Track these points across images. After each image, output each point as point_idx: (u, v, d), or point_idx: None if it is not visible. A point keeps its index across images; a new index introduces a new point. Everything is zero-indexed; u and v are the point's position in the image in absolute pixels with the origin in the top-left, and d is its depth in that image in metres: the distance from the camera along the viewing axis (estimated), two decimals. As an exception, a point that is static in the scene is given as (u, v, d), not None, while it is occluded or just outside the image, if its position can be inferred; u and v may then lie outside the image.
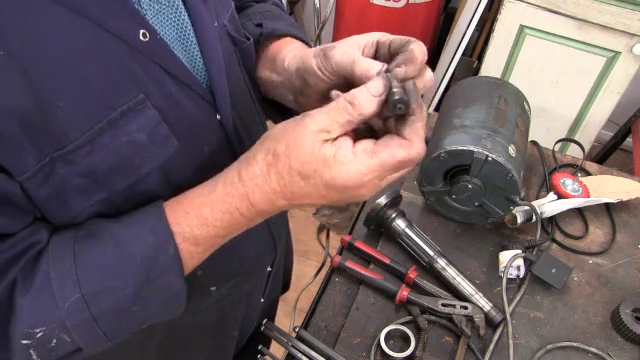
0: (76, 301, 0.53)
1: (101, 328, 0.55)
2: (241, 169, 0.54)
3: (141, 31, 0.51)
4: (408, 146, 0.51)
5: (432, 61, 2.48)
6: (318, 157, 0.50)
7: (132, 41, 0.51)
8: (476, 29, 2.12)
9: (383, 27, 2.34)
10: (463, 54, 2.16)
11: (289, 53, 0.69)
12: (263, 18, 0.77)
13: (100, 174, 0.53)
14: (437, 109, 1.62)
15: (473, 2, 2.03)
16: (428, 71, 0.56)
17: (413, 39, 0.55)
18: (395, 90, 0.50)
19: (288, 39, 0.75)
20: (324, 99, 0.63)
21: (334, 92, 0.53)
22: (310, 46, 0.75)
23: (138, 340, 0.75)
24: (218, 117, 0.62)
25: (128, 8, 0.51)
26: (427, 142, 1.16)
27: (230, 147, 0.66)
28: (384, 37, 0.58)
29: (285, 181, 0.52)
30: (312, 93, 0.64)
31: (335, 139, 0.50)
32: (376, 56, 0.59)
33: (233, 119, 0.65)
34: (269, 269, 0.90)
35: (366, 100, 0.50)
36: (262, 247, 0.83)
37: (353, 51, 0.57)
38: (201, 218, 0.55)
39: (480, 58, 2.18)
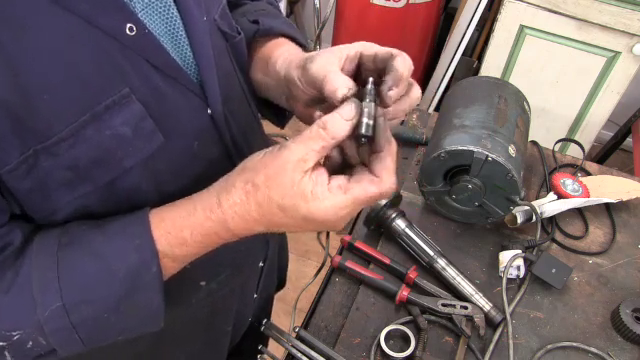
0: (57, 309, 0.53)
1: (79, 335, 0.55)
2: (220, 196, 0.55)
3: (128, 25, 0.51)
4: (379, 182, 0.53)
5: (432, 61, 2.48)
6: (297, 192, 0.52)
7: (119, 35, 0.51)
8: (476, 29, 2.12)
9: (383, 27, 2.34)
10: (463, 54, 2.16)
11: (280, 56, 0.69)
12: (259, 15, 0.77)
13: (83, 167, 0.53)
14: (437, 109, 1.62)
15: (473, 2, 2.03)
16: (415, 88, 0.58)
17: (397, 52, 0.56)
18: (363, 122, 0.53)
19: (282, 40, 0.75)
20: (308, 108, 0.65)
21: (317, 113, 0.55)
22: (305, 47, 0.75)
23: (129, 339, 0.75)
24: (209, 112, 0.62)
25: (117, 3, 0.51)
26: (426, 143, 1.16)
27: (222, 142, 0.66)
28: (367, 49, 0.59)
29: (264, 211, 0.54)
30: (298, 100, 0.66)
31: (313, 170, 0.52)
32: (360, 69, 0.60)
33: (225, 114, 0.65)
34: (261, 264, 0.90)
35: (338, 125, 0.52)
36: (253, 242, 0.82)
37: (329, 66, 0.57)
38: (181, 239, 0.56)
39: (480, 58, 2.18)
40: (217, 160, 0.66)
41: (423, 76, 2.55)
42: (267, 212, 0.54)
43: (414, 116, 1.29)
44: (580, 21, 1.80)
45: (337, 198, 0.52)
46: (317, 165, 0.53)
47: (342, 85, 0.54)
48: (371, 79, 0.55)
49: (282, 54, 0.70)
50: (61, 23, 0.47)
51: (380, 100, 0.55)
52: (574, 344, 0.89)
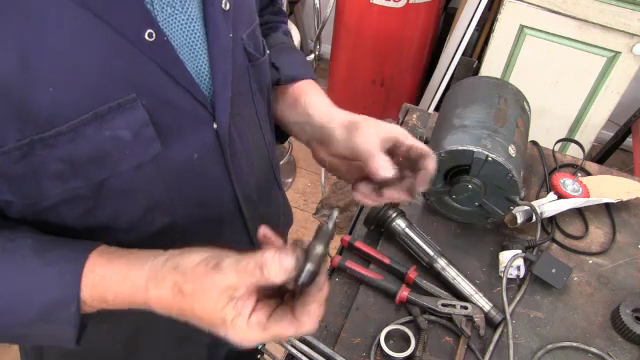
0: None
1: None
2: (149, 284, 0.55)
3: (148, 31, 0.52)
4: (297, 326, 0.53)
5: (432, 61, 2.48)
6: (218, 316, 0.52)
7: (135, 39, 0.51)
8: (476, 29, 2.12)
9: (383, 27, 2.35)
10: (463, 54, 2.16)
11: (313, 102, 0.76)
12: (278, 55, 0.81)
13: (78, 163, 0.53)
14: (437, 109, 1.62)
15: (473, 2, 2.03)
16: (432, 163, 0.66)
17: (430, 153, 0.65)
18: (305, 269, 0.53)
19: (305, 82, 0.80)
20: (333, 158, 0.73)
21: (262, 231, 0.58)
22: (317, 80, 0.82)
23: (104, 332, 0.75)
24: (215, 126, 0.63)
25: (136, 6, 0.51)
26: (426, 143, 1.16)
27: (222, 158, 0.66)
28: (404, 138, 0.67)
29: (186, 314, 0.55)
30: (326, 150, 0.72)
31: (240, 299, 0.53)
32: (391, 152, 0.67)
33: (231, 132, 0.65)
34: None
35: (275, 272, 0.52)
36: (235, 242, 0.82)
37: (374, 144, 0.65)
38: (103, 297, 0.56)
39: (480, 58, 2.18)
40: (215, 175, 0.66)
41: (423, 76, 2.55)
42: (189, 316, 0.55)
43: (414, 116, 1.29)
44: (580, 21, 1.80)
45: (253, 333, 0.53)
46: (247, 293, 0.53)
47: (388, 168, 0.63)
48: (335, 212, 0.57)
49: (317, 103, 0.76)
50: (77, 20, 0.48)
51: (406, 189, 0.66)
52: (574, 344, 0.89)
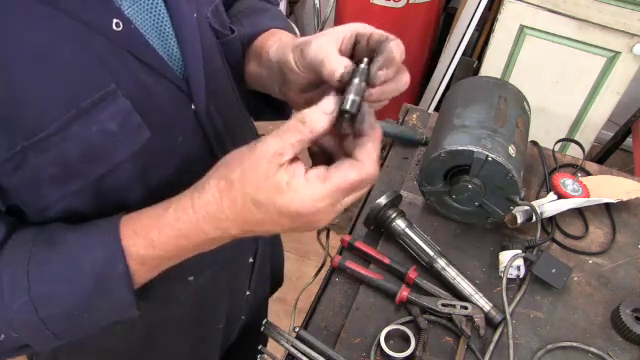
0: (25, 304, 0.53)
1: (50, 330, 0.55)
2: (194, 196, 0.54)
3: (114, 20, 0.52)
4: (359, 167, 0.51)
5: (432, 61, 2.48)
6: (272, 184, 0.50)
7: (105, 31, 0.51)
8: (476, 29, 2.12)
9: (383, 27, 2.32)
10: (463, 54, 2.16)
11: (273, 45, 0.68)
12: (242, 18, 0.77)
13: (72, 163, 0.53)
14: (437, 109, 1.62)
15: (473, 2, 2.03)
16: (405, 75, 0.56)
17: (392, 37, 0.55)
18: (348, 98, 0.50)
19: (274, 30, 0.74)
20: (303, 93, 0.64)
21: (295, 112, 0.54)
22: (297, 35, 0.75)
23: (119, 330, 0.75)
24: (193, 107, 0.62)
25: None
26: (426, 143, 1.16)
27: (205, 138, 0.66)
28: (363, 29, 0.57)
29: (238, 208, 0.52)
30: (292, 86, 0.64)
31: (290, 163, 0.50)
32: (355, 48, 0.58)
33: (210, 111, 0.65)
34: (251, 260, 0.90)
35: (317, 118, 0.50)
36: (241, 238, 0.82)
37: (327, 47, 0.56)
38: (148, 240, 0.55)
39: (480, 58, 2.18)
40: (200, 156, 0.65)
41: (423, 76, 2.55)
42: (241, 209, 0.52)
43: (414, 116, 1.29)
44: (580, 21, 1.80)
45: (315, 188, 0.50)
46: (294, 159, 0.51)
47: (340, 66, 0.53)
48: (365, 59, 0.54)
49: (275, 42, 0.69)
50: (44, 19, 0.48)
51: (368, 80, 0.53)
52: (574, 344, 0.89)
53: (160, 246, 0.55)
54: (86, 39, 0.50)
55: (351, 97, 0.51)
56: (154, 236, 0.55)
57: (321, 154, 0.58)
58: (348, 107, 0.50)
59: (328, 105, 0.50)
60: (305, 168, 0.51)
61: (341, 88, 0.53)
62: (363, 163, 0.51)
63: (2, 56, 0.46)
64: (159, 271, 0.59)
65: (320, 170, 0.51)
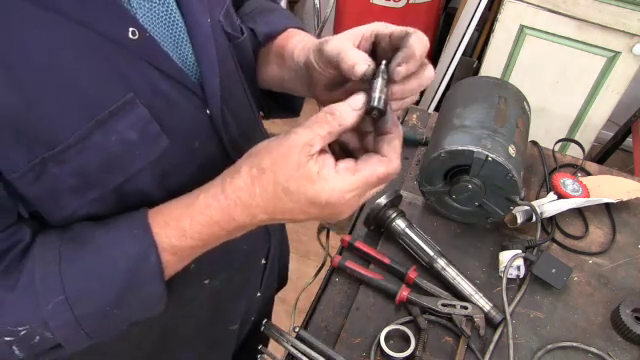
0: (60, 303, 0.53)
1: (83, 329, 0.55)
2: (225, 183, 0.55)
3: (130, 29, 0.51)
4: (387, 163, 0.53)
5: (432, 61, 2.48)
6: (303, 173, 0.51)
7: (120, 40, 0.51)
8: (476, 29, 2.12)
9: (383, 27, 2.34)
10: (463, 54, 2.16)
11: (297, 45, 0.69)
12: (255, 17, 0.77)
13: (91, 173, 0.53)
14: (437, 109, 1.62)
15: (473, 2, 2.03)
16: (428, 68, 0.56)
17: (412, 30, 0.55)
18: (375, 96, 0.53)
19: (292, 30, 0.75)
20: (329, 92, 0.65)
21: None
22: (302, 28, 0.76)
23: (135, 334, 0.75)
24: (208, 112, 0.62)
25: (115, 8, 0.51)
26: (426, 143, 1.16)
27: (220, 142, 0.66)
28: (383, 28, 0.58)
29: (269, 195, 0.53)
30: (318, 85, 0.65)
31: (319, 154, 0.52)
32: (376, 49, 0.59)
33: (224, 114, 0.65)
34: (264, 261, 0.90)
35: (346, 112, 0.52)
36: (255, 239, 0.82)
37: (344, 43, 0.56)
38: (180, 229, 0.56)
39: (480, 58, 2.18)
40: (216, 159, 0.66)
41: (423, 76, 2.55)
42: (272, 197, 0.53)
43: (414, 116, 1.29)
44: (580, 21, 1.80)
45: (345, 180, 0.51)
46: (323, 150, 0.53)
47: (361, 61, 0.53)
48: (384, 61, 0.55)
49: (297, 44, 0.69)
50: (57, 31, 0.47)
51: (388, 77, 0.54)
52: (574, 344, 0.89)
53: (193, 235, 0.56)
54: (102, 49, 0.50)
55: (377, 95, 0.53)
56: (186, 225, 0.55)
57: (340, 152, 0.59)
58: (376, 104, 0.52)
59: (357, 102, 0.52)
60: (333, 159, 0.52)
61: (365, 87, 0.54)
62: (390, 159, 0.53)
63: (18, 71, 0.46)
64: (188, 261, 0.60)
65: (349, 162, 0.53)
